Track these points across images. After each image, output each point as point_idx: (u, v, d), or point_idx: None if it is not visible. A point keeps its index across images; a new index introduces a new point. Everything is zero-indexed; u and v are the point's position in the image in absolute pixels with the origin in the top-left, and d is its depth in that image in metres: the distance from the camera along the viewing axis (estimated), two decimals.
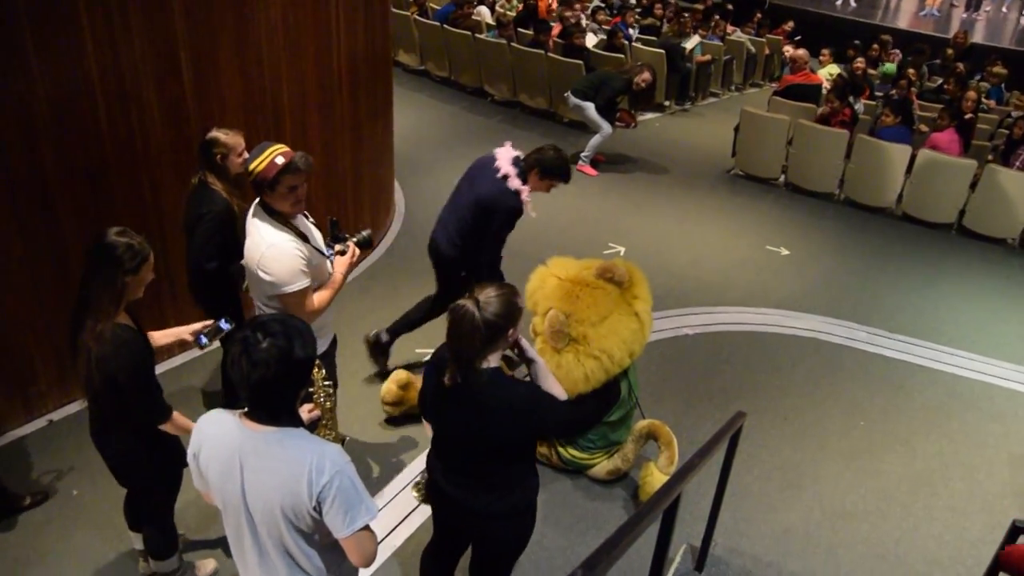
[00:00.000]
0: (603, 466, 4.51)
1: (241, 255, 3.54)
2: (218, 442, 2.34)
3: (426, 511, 3.67)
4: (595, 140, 9.09)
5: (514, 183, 4.63)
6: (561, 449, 4.53)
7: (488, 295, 2.67)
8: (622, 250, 7.37)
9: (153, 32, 4.50)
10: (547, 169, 4.70)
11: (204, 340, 3.22)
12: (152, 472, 3.35)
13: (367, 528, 2.31)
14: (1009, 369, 6.07)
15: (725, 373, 5.74)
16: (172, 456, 3.35)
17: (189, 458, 2.44)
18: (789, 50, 9.94)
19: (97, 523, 4.11)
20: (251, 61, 5.06)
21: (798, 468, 4.87)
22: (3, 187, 4.15)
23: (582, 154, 9.15)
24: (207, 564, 3.87)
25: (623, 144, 10.03)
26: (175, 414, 3.16)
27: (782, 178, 9.25)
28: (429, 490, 3.13)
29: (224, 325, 3.27)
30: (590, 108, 8.91)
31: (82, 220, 4.43)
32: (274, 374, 2.19)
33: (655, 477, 4.35)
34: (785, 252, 7.68)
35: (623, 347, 4.17)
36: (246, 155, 3.92)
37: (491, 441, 2.79)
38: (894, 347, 6.23)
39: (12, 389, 4.56)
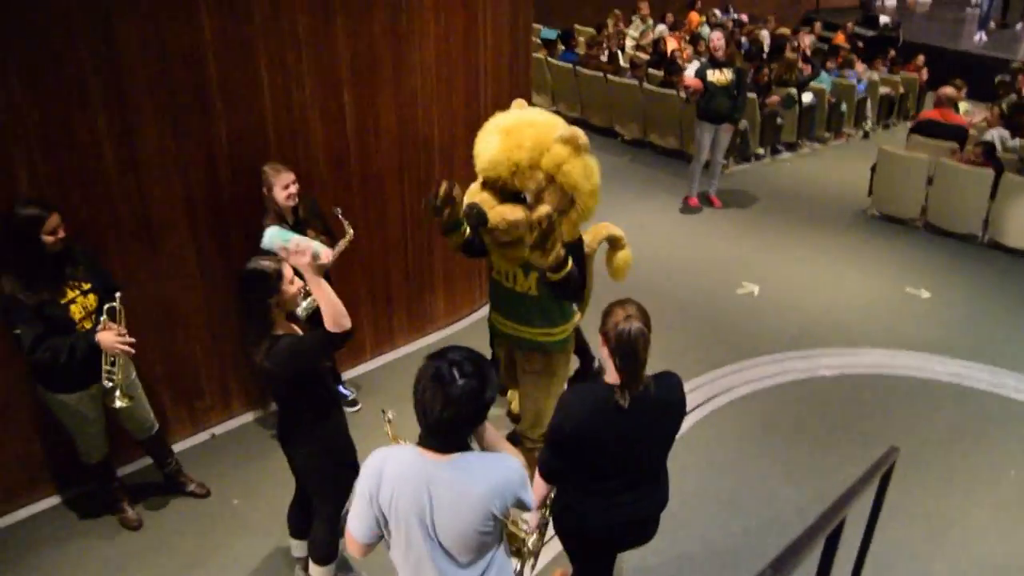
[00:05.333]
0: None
1: None
2: (403, 477, 2.44)
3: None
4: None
5: None
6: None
7: (631, 309, 2.87)
8: (756, 289, 7.34)
9: (322, 74, 4.89)
10: None
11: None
12: (330, 475, 3.61)
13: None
14: None
15: (864, 416, 5.63)
16: (349, 463, 3.61)
17: (363, 502, 2.52)
18: (949, 91, 9.53)
19: (255, 532, 4.39)
20: (406, 101, 5.39)
21: (944, 516, 4.73)
22: (186, 211, 4.57)
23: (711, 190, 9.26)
24: None
25: (757, 183, 10.00)
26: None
27: (921, 219, 9.00)
28: (582, 529, 3.21)
29: None
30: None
31: (250, 244, 4.76)
32: (465, 412, 2.35)
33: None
34: (926, 294, 7.47)
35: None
36: (292, 190, 4.39)
37: (670, 434, 3.06)
38: None
39: (180, 402, 4.93)
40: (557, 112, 12.07)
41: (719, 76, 8.30)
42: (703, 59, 8.76)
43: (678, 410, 3.08)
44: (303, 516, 3.92)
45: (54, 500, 4.55)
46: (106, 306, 3.80)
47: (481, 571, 2.56)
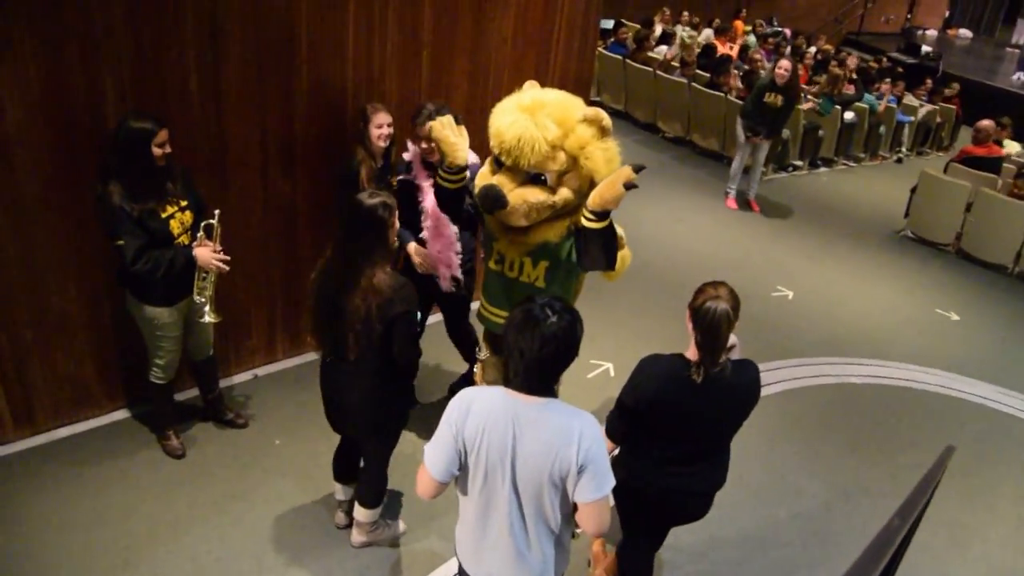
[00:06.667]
0: None
1: None
2: (492, 413, 2.45)
3: None
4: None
5: None
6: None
7: (722, 291, 2.93)
8: (791, 294, 7.42)
9: (405, 34, 4.98)
10: None
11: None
12: (393, 418, 3.66)
13: (606, 499, 2.48)
14: None
15: (891, 424, 5.71)
16: (406, 410, 3.67)
17: (447, 438, 2.51)
18: (985, 123, 9.57)
19: (295, 473, 4.44)
20: (479, 71, 5.48)
21: (966, 527, 4.82)
22: (259, 149, 4.65)
23: (751, 194, 9.37)
24: (399, 524, 4.14)
25: (793, 193, 10.09)
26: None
27: (954, 244, 9.07)
28: (637, 490, 3.28)
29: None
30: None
31: (312, 187, 4.93)
32: (563, 348, 2.38)
33: None
34: (955, 317, 7.56)
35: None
36: (385, 131, 4.42)
37: (737, 419, 3.12)
38: None
39: (228, 340, 4.99)
40: (600, 103, 12.15)
41: (773, 99, 8.65)
42: (763, 79, 8.96)
43: (749, 398, 3.12)
44: (349, 462, 3.98)
45: (101, 421, 4.62)
46: (203, 223, 3.91)
47: (541, 535, 2.56)
